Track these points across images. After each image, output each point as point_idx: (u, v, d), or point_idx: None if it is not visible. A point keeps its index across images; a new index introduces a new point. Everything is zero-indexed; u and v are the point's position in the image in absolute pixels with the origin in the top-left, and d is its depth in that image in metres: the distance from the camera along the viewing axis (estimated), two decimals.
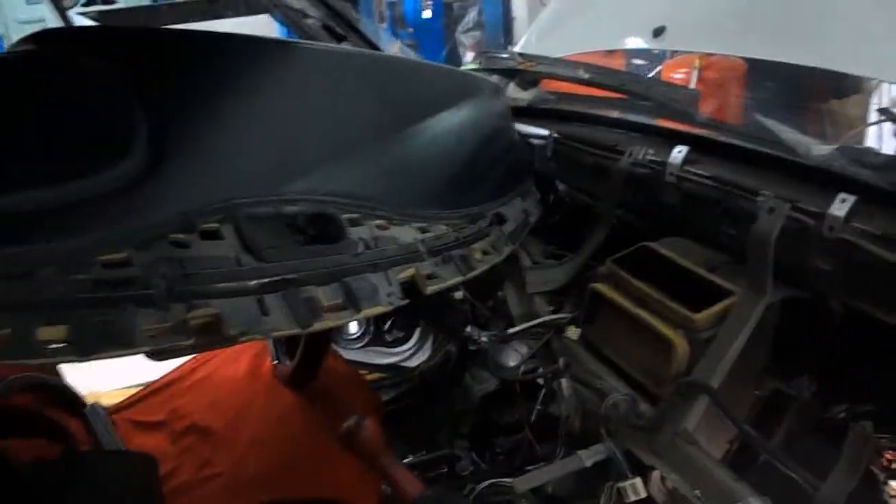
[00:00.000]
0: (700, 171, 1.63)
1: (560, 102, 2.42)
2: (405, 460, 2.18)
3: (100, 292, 0.92)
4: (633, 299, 1.61)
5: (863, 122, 3.41)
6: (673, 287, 1.56)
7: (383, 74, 1.54)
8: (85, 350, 0.87)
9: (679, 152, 1.67)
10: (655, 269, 1.62)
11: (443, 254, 1.44)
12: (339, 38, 2.21)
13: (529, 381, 1.82)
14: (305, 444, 2.05)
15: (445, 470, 2.23)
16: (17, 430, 1.78)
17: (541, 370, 1.79)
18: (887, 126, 2.48)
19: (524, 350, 1.86)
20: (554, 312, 1.88)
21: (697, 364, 1.45)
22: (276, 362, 2.43)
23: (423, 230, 1.44)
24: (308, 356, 2.20)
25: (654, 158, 1.74)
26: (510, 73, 2.42)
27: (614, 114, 2.15)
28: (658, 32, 2.06)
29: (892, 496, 1.33)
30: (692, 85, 4.57)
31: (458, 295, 2.05)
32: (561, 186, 2.15)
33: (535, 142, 2.11)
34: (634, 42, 2.41)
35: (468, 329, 1.90)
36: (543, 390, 1.79)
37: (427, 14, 6.55)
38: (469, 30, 7.78)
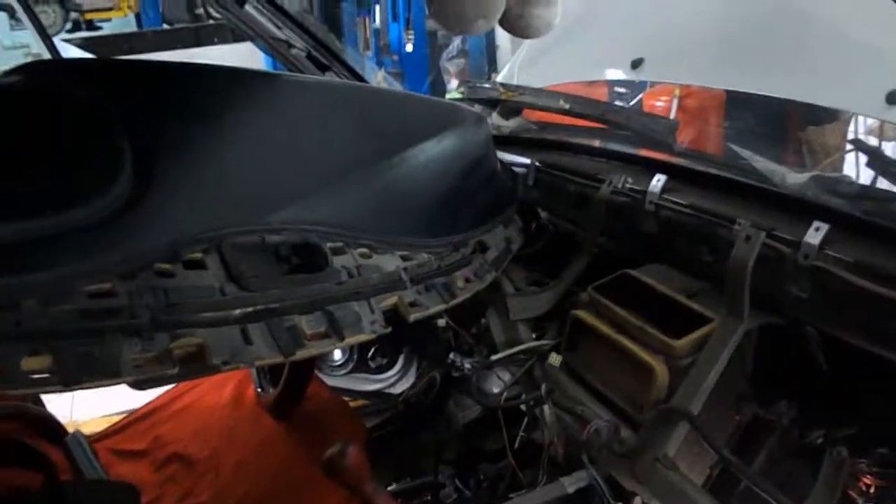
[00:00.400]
0: (678, 200, 1.66)
1: (542, 131, 2.45)
2: (389, 487, 2.18)
3: (84, 322, 0.93)
4: (615, 326, 1.63)
5: (839, 151, 3.46)
6: (653, 314, 1.58)
7: (366, 105, 1.56)
8: (69, 379, 0.88)
9: (658, 181, 1.70)
10: (636, 296, 1.65)
11: (425, 282, 1.45)
12: (324, 68, 2.23)
13: (513, 408, 1.83)
14: (289, 472, 2.03)
15: (429, 497, 2.22)
16: None
17: (523, 397, 1.80)
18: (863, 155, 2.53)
19: (507, 377, 1.87)
20: (536, 339, 1.89)
21: (678, 390, 1.47)
22: (259, 390, 2.42)
23: (406, 258, 1.45)
24: (292, 384, 2.19)
25: (633, 187, 1.77)
26: (493, 103, 2.45)
27: (595, 143, 2.19)
28: (636, 64, 2.11)
29: None
30: (672, 113, 4.63)
31: (442, 322, 2.07)
32: (543, 214, 2.17)
33: (518, 170, 2.14)
34: (614, 73, 2.46)
35: (451, 356, 1.91)
36: (526, 417, 1.80)
37: (409, 48, 6.63)
38: (453, 57, 7.85)
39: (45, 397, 2.25)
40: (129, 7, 9.63)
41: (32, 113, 1.09)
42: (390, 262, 1.41)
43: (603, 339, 1.63)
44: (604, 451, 1.51)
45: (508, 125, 2.46)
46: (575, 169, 1.98)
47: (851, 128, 3.37)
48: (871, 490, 1.37)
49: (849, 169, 2.64)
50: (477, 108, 2.35)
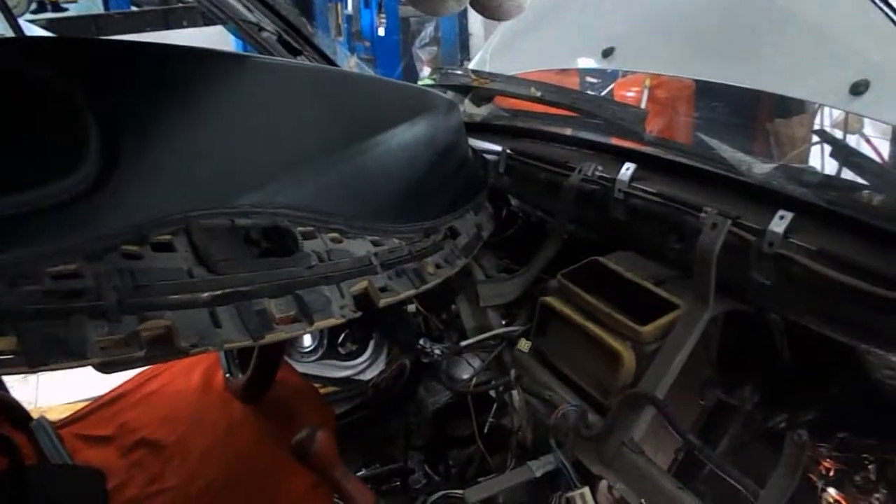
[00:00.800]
0: (647, 188, 1.67)
1: (513, 119, 2.46)
2: (358, 473, 2.18)
3: (49, 303, 0.91)
4: (583, 312, 1.65)
5: (806, 142, 3.52)
6: (621, 300, 1.60)
7: (338, 89, 1.55)
8: (34, 361, 0.86)
9: (627, 169, 1.72)
10: (605, 283, 1.66)
11: (396, 267, 1.45)
12: (295, 52, 2.22)
13: (482, 394, 1.84)
14: (257, 457, 2.03)
15: (398, 483, 2.23)
16: None
17: (493, 382, 1.81)
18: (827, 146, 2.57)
19: (477, 363, 1.89)
20: (506, 325, 1.91)
21: (644, 375, 1.49)
22: (228, 376, 2.41)
23: (377, 243, 1.45)
24: (261, 369, 2.19)
25: (603, 175, 1.79)
26: (465, 90, 2.45)
27: (566, 131, 2.20)
28: (607, 53, 2.13)
29: (829, 503, 1.37)
30: (643, 103, 4.66)
31: (412, 308, 2.07)
32: (514, 201, 2.18)
33: (489, 157, 2.15)
34: (585, 62, 2.47)
35: (421, 342, 1.92)
36: (495, 403, 1.81)
37: (382, 32, 6.58)
38: (426, 45, 7.83)
39: (9, 383, 2.23)
40: None
41: None
42: (361, 248, 1.41)
43: (571, 325, 1.65)
44: (571, 436, 1.53)
45: (480, 112, 2.47)
46: (545, 156, 1.99)
47: (817, 120, 3.44)
48: (831, 473, 1.41)
49: (814, 160, 2.68)
50: (449, 94, 2.35)
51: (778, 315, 1.48)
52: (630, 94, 4.88)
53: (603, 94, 4.48)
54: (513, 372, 1.75)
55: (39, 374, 0.90)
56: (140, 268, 1.02)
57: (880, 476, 1.36)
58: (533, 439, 1.68)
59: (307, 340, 2.58)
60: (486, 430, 1.82)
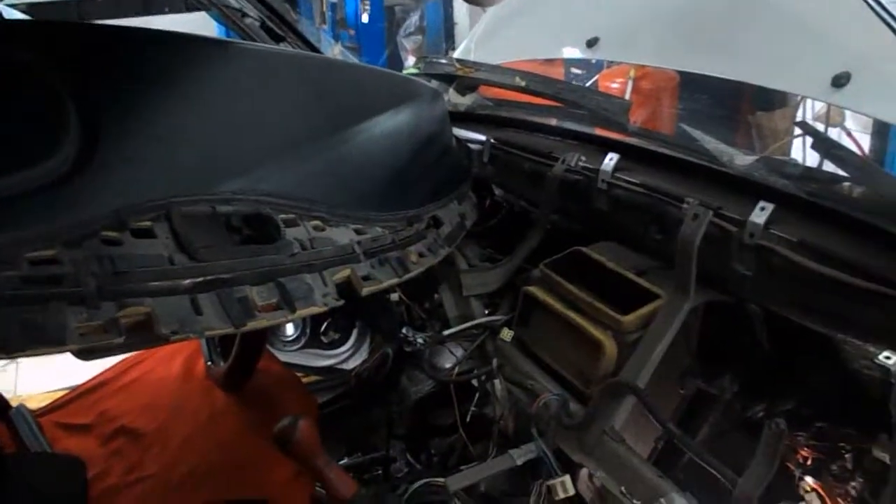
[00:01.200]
0: (630, 178, 1.68)
1: (498, 109, 2.45)
2: (341, 462, 2.18)
3: (27, 289, 0.90)
4: (565, 302, 1.65)
5: (788, 134, 3.55)
6: (604, 290, 1.60)
7: (321, 76, 1.54)
8: (12, 347, 0.85)
9: (610, 160, 1.72)
10: (587, 273, 1.67)
11: (379, 255, 1.45)
12: (278, 39, 2.20)
13: (464, 383, 1.85)
14: (238, 445, 2.03)
15: (380, 472, 2.23)
16: None
17: (475, 371, 1.82)
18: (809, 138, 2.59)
19: (459, 352, 1.89)
20: (489, 315, 1.91)
21: (625, 365, 1.50)
22: (209, 364, 2.40)
23: (360, 232, 1.45)
24: (242, 357, 2.18)
25: (586, 165, 1.79)
26: (449, 79, 2.44)
27: (550, 121, 2.20)
28: (591, 43, 2.13)
29: (806, 491, 1.39)
30: (627, 94, 4.67)
31: (395, 297, 2.07)
32: (497, 191, 2.18)
33: (473, 146, 2.14)
34: (570, 52, 2.47)
35: (404, 331, 1.92)
36: (478, 392, 1.81)
37: (365, 18, 6.53)
38: (411, 34, 7.79)
39: None
40: None
41: None
42: (344, 235, 1.40)
43: (554, 314, 1.65)
44: (552, 424, 1.53)
45: (464, 101, 2.46)
46: (529, 146, 1.99)
47: (799, 112, 3.46)
48: (808, 462, 1.42)
49: (796, 152, 2.70)
50: (433, 83, 2.34)
51: (758, 305, 1.49)
52: (614, 86, 4.89)
53: (587, 84, 4.48)
54: (495, 361, 1.76)
55: (18, 361, 0.89)
56: (120, 254, 1.02)
57: (857, 465, 1.38)
58: (514, 428, 1.69)
59: (289, 329, 2.58)
60: (468, 419, 1.83)
